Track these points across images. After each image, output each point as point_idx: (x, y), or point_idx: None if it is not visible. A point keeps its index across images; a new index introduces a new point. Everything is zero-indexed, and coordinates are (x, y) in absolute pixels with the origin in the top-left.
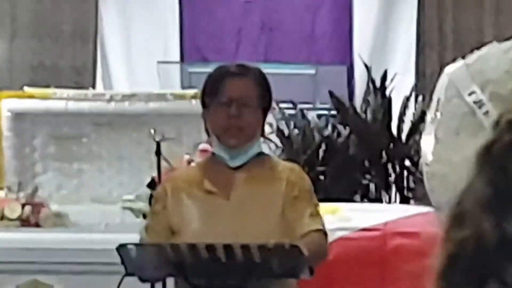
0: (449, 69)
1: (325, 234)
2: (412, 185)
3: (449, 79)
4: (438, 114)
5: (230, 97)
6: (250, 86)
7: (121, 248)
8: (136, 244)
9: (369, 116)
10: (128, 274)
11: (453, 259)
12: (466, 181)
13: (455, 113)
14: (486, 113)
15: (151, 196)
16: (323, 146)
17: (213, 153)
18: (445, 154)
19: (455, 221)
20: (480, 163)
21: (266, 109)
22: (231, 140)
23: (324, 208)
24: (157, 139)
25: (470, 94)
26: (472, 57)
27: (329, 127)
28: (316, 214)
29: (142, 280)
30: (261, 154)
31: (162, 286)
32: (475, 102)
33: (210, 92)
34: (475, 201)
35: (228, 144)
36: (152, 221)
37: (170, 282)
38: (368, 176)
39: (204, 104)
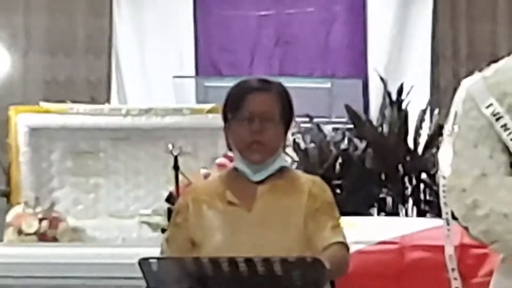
0: (466, 82)
1: (347, 247)
2: (428, 198)
3: (466, 92)
4: (456, 127)
5: (252, 112)
6: (272, 101)
7: (143, 262)
8: (157, 258)
9: (385, 129)
10: None
11: None
12: None
13: (473, 126)
14: (504, 125)
15: (168, 210)
16: (340, 160)
17: (234, 167)
18: (463, 167)
19: None
20: None
21: (288, 123)
22: (253, 155)
23: (341, 221)
24: (174, 153)
25: (487, 107)
26: (489, 70)
27: (346, 141)
28: (337, 227)
29: None
30: (283, 167)
31: None
32: (493, 115)
33: (232, 107)
34: None
35: (250, 160)
36: (173, 232)
37: None
38: (384, 190)
39: (225, 119)
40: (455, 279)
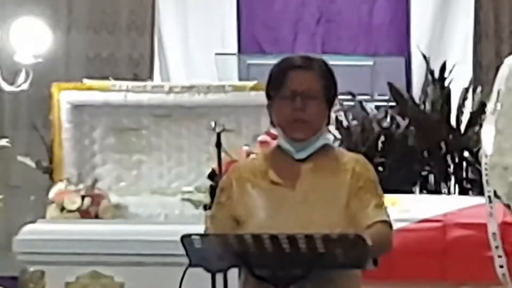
0: (509, 60)
1: (390, 225)
2: (471, 176)
3: (509, 70)
4: (499, 105)
5: (294, 90)
6: (314, 78)
7: (186, 239)
8: (200, 235)
9: (427, 107)
10: (192, 265)
11: None
12: None
13: None
14: None
15: (211, 187)
16: (382, 138)
17: (278, 145)
18: (506, 145)
19: None
20: None
21: (331, 100)
22: (296, 133)
23: (384, 200)
24: (217, 131)
25: None
26: None
27: (388, 118)
28: (381, 205)
29: (207, 270)
30: (326, 145)
31: (223, 277)
32: None
33: (274, 85)
34: None
35: (293, 138)
36: (217, 211)
37: (233, 272)
38: (427, 167)
39: (268, 97)
40: (499, 256)
